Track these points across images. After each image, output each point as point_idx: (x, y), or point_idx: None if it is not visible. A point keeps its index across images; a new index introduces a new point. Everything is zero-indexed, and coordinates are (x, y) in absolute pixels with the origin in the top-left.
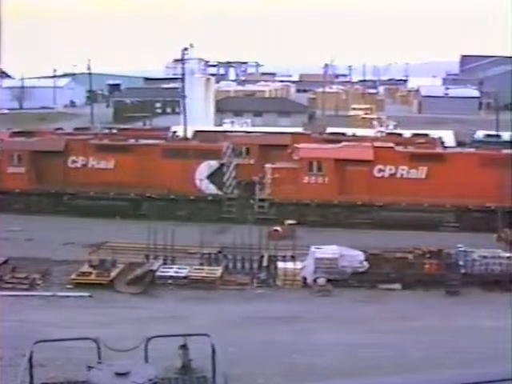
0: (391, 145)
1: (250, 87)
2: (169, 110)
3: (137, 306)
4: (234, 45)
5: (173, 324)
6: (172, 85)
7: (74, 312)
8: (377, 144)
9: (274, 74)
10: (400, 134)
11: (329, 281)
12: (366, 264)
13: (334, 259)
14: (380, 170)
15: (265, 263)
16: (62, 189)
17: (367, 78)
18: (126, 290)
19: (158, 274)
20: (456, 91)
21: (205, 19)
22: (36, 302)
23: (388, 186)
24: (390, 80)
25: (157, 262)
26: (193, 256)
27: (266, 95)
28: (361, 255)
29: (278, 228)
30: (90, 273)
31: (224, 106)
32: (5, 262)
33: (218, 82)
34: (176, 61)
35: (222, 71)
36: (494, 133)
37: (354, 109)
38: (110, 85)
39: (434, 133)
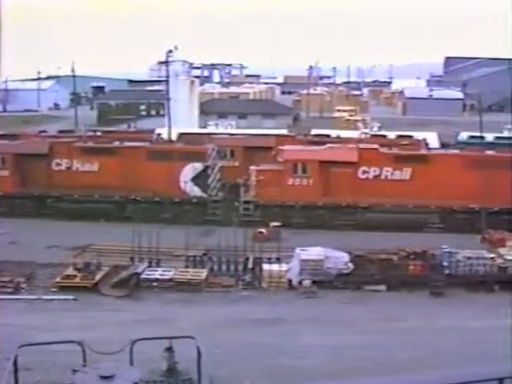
0: (375, 146)
1: (234, 89)
2: (153, 112)
3: (122, 309)
4: (218, 47)
5: (158, 327)
6: (156, 87)
7: (59, 315)
8: (361, 146)
9: (258, 76)
10: (384, 136)
11: (314, 282)
12: (350, 265)
13: (319, 261)
14: (364, 172)
15: (250, 265)
16: (46, 192)
17: (351, 79)
18: (110, 292)
19: (143, 276)
20: (440, 93)
21: (189, 21)
22: (20, 305)
23: (372, 187)
24: (375, 82)
25: (142, 264)
26: (178, 258)
27: (251, 97)
28: (346, 257)
29: (263, 230)
30: (75, 276)
31: (208, 108)
32: None
33: (202, 84)
34: (160, 63)
35: (206, 73)
36: (477, 134)
37: (339, 110)
38: (94, 87)
39: (418, 134)
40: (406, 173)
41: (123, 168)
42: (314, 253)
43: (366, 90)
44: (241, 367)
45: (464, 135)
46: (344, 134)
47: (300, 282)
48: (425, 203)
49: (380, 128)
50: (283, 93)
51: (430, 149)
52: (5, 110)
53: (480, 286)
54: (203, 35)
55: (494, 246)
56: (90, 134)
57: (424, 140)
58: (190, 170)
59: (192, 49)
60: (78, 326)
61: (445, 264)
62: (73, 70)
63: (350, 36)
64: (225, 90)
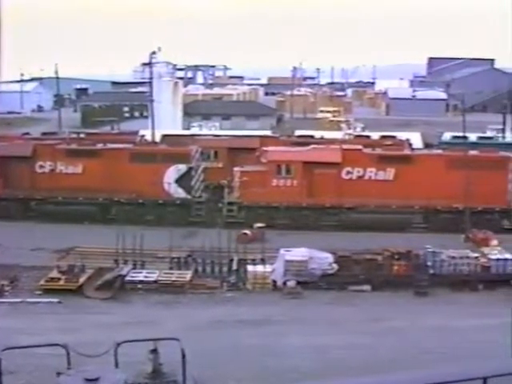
0: (359, 147)
1: (218, 90)
2: (137, 113)
3: (106, 312)
4: (201, 48)
5: (143, 329)
6: (140, 89)
7: (43, 318)
8: (345, 146)
9: (242, 77)
10: (368, 136)
11: (298, 283)
12: (335, 266)
13: (304, 262)
14: (348, 172)
15: (234, 267)
16: (29, 194)
17: (335, 80)
18: (95, 295)
19: (128, 278)
20: (423, 93)
21: (172, 22)
22: (5, 308)
23: (356, 187)
24: (358, 82)
25: (126, 266)
26: (162, 260)
27: (234, 98)
28: (330, 257)
29: (247, 231)
30: (59, 278)
31: (192, 110)
32: None
33: (185, 85)
34: (144, 64)
35: (189, 75)
36: (460, 134)
37: (322, 111)
38: (77, 89)
39: (402, 135)
40: (389, 173)
41: (107, 170)
42: (298, 254)
43: (349, 91)
44: (226, 368)
45: (447, 135)
46: (328, 134)
47: (284, 283)
48: (408, 203)
49: (363, 128)
50: (267, 94)
51: (413, 149)
52: None
53: (464, 286)
54: (187, 36)
55: (478, 246)
56: (74, 136)
57: (407, 140)
58: (173, 171)
59: (175, 50)
60: (62, 328)
61: (429, 264)
62: (56, 72)
63: (333, 37)
64: (208, 91)
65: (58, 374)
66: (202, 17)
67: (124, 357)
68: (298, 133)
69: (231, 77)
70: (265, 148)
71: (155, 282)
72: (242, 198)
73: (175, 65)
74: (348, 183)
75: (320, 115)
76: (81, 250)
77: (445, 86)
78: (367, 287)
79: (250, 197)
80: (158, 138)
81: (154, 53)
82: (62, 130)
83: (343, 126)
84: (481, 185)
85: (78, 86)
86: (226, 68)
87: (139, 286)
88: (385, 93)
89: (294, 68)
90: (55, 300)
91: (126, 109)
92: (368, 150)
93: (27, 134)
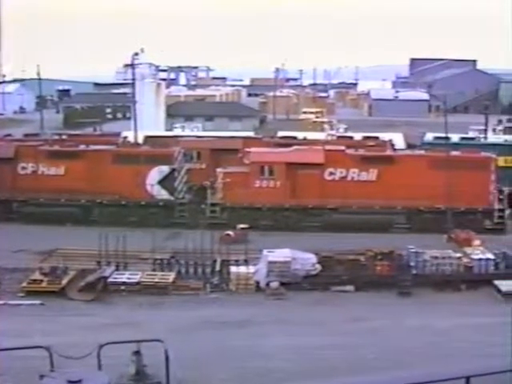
0: (342, 148)
1: (200, 92)
2: (119, 115)
3: (89, 313)
4: (184, 49)
5: (126, 330)
6: (122, 90)
7: (26, 320)
8: (327, 147)
9: (224, 79)
10: (351, 137)
11: (282, 284)
12: (318, 267)
13: (287, 262)
14: (331, 173)
15: (217, 268)
16: (11, 196)
17: (318, 81)
18: (77, 297)
19: (110, 280)
20: (406, 94)
21: (155, 24)
22: None
23: (339, 188)
24: (341, 83)
25: (109, 268)
26: (145, 262)
27: (217, 99)
28: (313, 258)
29: (230, 232)
30: (42, 280)
31: (175, 111)
32: None
33: (168, 86)
34: (126, 66)
35: (172, 76)
36: (443, 135)
37: (305, 112)
38: (59, 90)
39: (385, 135)
40: (372, 174)
41: (89, 171)
42: (281, 254)
43: (332, 92)
44: (209, 370)
45: (430, 136)
46: (310, 135)
47: (268, 284)
48: (391, 204)
49: (346, 129)
50: (250, 95)
51: (395, 150)
52: None
53: (447, 286)
54: (169, 38)
55: (460, 246)
56: (56, 137)
57: (390, 141)
58: (156, 172)
59: (158, 51)
60: (45, 330)
61: (412, 264)
62: (38, 73)
63: (316, 38)
64: (191, 92)
65: (41, 376)
66: (184, 18)
67: (107, 359)
68: (280, 134)
69: (214, 78)
70: (248, 149)
71: (138, 283)
72: (224, 199)
73: (158, 66)
74: (331, 184)
75: (303, 116)
76: (63, 252)
77: (427, 87)
78: (350, 287)
79: (232, 198)
80: (140, 140)
81: (136, 54)
82: (44, 132)
83: (326, 126)
84: (463, 185)
85: (61, 88)
86: (208, 69)
87: (122, 287)
88: (367, 94)
89: (277, 69)
90: (38, 302)
91: (109, 110)
92: (351, 151)
93: (9, 135)
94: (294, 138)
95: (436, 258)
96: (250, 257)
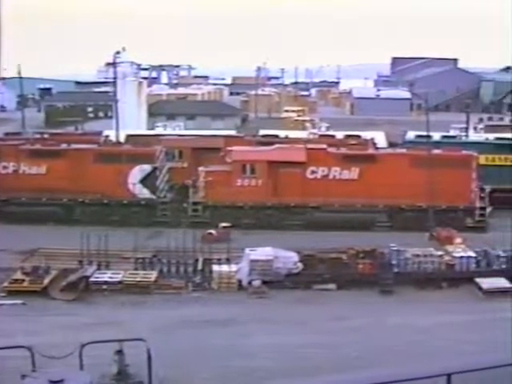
0: (324, 146)
1: (182, 90)
2: (101, 114)
3: (71, 313)
4: (166, 48)
5: (108, 330)
6: (104, 89)
7: (8, 320)
8: (309, 146)
9: (206, 77)
10: (332, 136)
11: (264, 283)
12: (300, 265)
13: (269, 261)
14: (313, 172)
15: (200, 267)
16: None
17: (299, 80)
18: (59, 296)
19: (92, 279)
20: (387, 93)
21: (137, 22)
22: None
23: (321, 187)
24: (323, 82)
25: (91, 267)
26: (127, 261)
27: (199, 98)
28: (295, 256)
29: (213, 231)
30: (23, 280)
31: (156, 110)
32: None
33: (150, 85)
34: (108, 64)
35: (154, 74)
36: (424, 133)
37: (287, 111)
38: (41, 89)
39: (366, 134)
40: (354, 172)
41: (71, 170)
42: (263, 253)
43: (314, 91)
44: (192, 369)
45: (411, 134)
46: (292, 134)
47: (250, 283)
48: (373, 202)
49: (328, 128)
50: (231, 94)
51: (377, 148)
52: None
53: (428, 284)
54: (151, 36)
55: (442, 244)
56: (38, 136)
57: (372, 139)
58: (138, 171)
59: (140, 50)
60: (26, 330)
61: (393, 262)
62: (19, 72)
63: (297, 37)
64: (173, 91)
65: (23, 376)
66: (166, 17)
67: (89, 358)
68: (262, 132)
69: (196, 77)
70: (229, 148)
71: (120, 282)
72: (206, 197)
73: (139, 64)
74: (313, 182)
75: (284, 115)
76: (45, 252)
77: (408, 86)
78: (332, 286)
79: (214, 197)
80: (122, 139)
81: (118, 53)
82: (25, 131)
83: (308, 125)
84: (445, 183)
85: (42, 86)
86: (190, 68)
87: (104, 286)
88: (349, 92)
89: (258, 68)
90: (19, 302)
91: (90, 109)
92: (333, 150)
93: None
94: (276, 136)
95: (418, 256)
96: (232, 255)
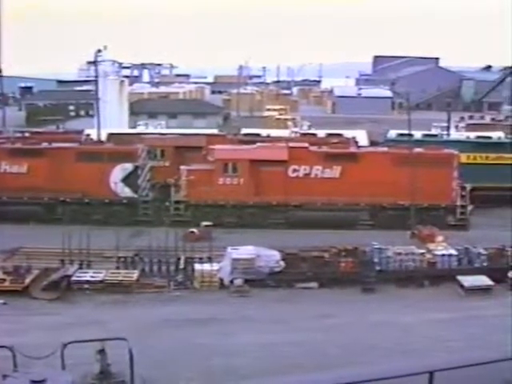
0: (305, 145)
1: (164, 89)
2: (82, 112)
3: (53, 313)
4: (147, 46)
5: (90, 329)
6: (85, 87)
7: None
8: (291, 144)
9: (188, 76)
10: (314, 134)
11: (246, 281)
12: (282, 264)
13: (251, 260)
14: (295, 170)
15: (181, 265)
16: None
17: (281, 78)
18: (41, 296)
19: (74, 278)
20: (369, 91)
21: (118, 21)
22: None
23: (303, 185)
24: (304, 81)
25: (72, 266)
26: (109, 260)
27: (181, 97)
28: (277, 255)
29: (195, 230)
30: (4, 279)
31: (138, 108)
32: None
33: (131, 84)
34: (89, 63)
35: (135, 73)
36: (406, 132)
37: (269, 110)
38: (21, 87)
39: (348, 132)
40: (335, 171)
41: (52, 169)
42: (245, 252)
43: (295, 89)
44: (174, 368)
45: (393, 133)
46: (274, 132)
47: (232, 281)
48: (355, 201)
49: (310, 127)
50: (213, 92)
51: (359, 147)
52: None
53: (410, 282)
54: (133, 35)
55: (424, 242)
56: (18, 135)
57: (353, 138)
58: (120, 170)
59: (121, 48)
60: (7, 330)
61: (375, 260)
62: None
63: (279, 35)
64: (155, 89)
65: (4, 376)
66: (147, 15)
67: (71, 358)
68: (244, 131)
69: (177, 75)
70: (211, 146)
71: (102, 281)
72: (188, 196)
73: (121, 63)
74: (295, 181)
75: (266, 113)
76: (26, 251)
77: (390, 84)
78: (314, 284)
79: (196, 195)
80: (104, 137)
81: (99, 51)
82: (6, 129)
83: (290, 124)
84: (426, 182)
85: (23, 85)
86: (172, 66)
87: (86, 286)
88: (331, 91)
89: (240, 66)
90: (1, 301)
91: (72, 107)
92: (314, 148)
93: None
94: (258, 135)
95: (399, 254)
96: (214, 254)
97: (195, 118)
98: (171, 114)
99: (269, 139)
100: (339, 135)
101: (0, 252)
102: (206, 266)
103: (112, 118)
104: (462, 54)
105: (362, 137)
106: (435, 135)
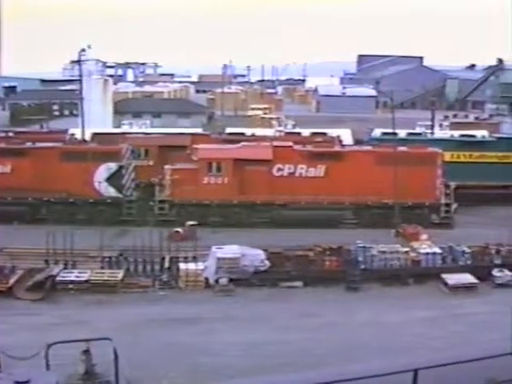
0: (290, 144)
1: (148, 88)
2: (66, 112)
3: (37, 313)
4: (131, 45)
5: (75, 329)
6: (69, 87)
7: None
8: (276, 143)
9: (172, 75)
10: (299, 133)
11: (231, 280)
12: (267, 263)
13: (236, 259)
14: (279, 169)
15: (166, 265)
16: None
17: (266, 78)
18: (25, 296)
19: (59, 278)
20: (353, 90)
21: (102, 20)
22: None
23: (287, 184)
24: (289, 80)
25: (57, 266)
26: (93, 260)
27: (165, 96)
28: (262, 254)
29: (179, 229)
30: None
31: (122, 108)
32: None
33: (116, 83)
34: (73, 62)
35: (120, 72)
36: (390, 131)
37: (253, 109)
38: (5, 87)
39: (332, 131)
40: (320, 170)
41: (36, 169)
42: (230, 251)
43: (280, 89)
44: (159, 367)
45: (377, 132)
46: (258, 132)
47: (217, 281)
48: (339, 199)
49: (294, 126)
50: (198, 91)
51: (343, 146)
52: None
53: (395, 280)
54: (117, 34)
55: (408, 240)
56: (2, 134)
57: (338, 137)
58: (104, 170)
59: (105, 48)
60: None
61: (360, 259)
62: None
63: (263, 35)
64: (139, 89)
65: None
66: (132, 15)
67: (56, 358)
68: (228, 130)
69: (162, 74)
70: (196, 146)
71: (87, 281)
72: (173, 196)
73: (105, 62)
74: (279, 180)
75: (251, 113)
76: (10, 251)
77: (374, 83)
78: (299, 283)
79: (181, 195)
80: (88, 137)
81: (83, 50)
82: None
83: (274, 123)
84: (410, 180)
85: (6, 84)
86: (156, 65)
87: (70, 286)
88: (315, 90)
89: (225, 66)
90: None
91: (56, 107)
92: (299, 147)
93: None
94: (242, 134)
95: (384, 252)
96: (198, 254)
97: (179, 117)
98: (155, 113)
99: (253, 138)
100: (324, 134)
101: None
102: (191, 266)
103: (96, 117)
104: (446, 53)
105: (346, 136)
106: (419, 134)
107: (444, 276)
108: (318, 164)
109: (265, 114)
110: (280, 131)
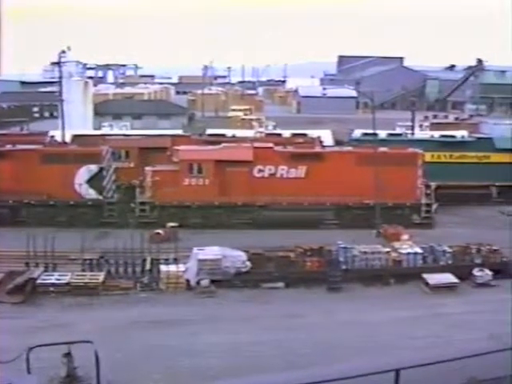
0: (270, 145)
1: (128, 90)
2: (47, 114)
3: (18, 316)
4: (111, 47)
5: (56, 332)
6: (49, 88)
7: None
8: (256, 144)
9: (152, 77)
10: (279, 134)
11: (212, 282)
12: (248, 264)
13: (217, 260)
14: (260, 171)
15: (147, 267)
16: None
17: (246, 79)
18: (6, 299)
19: (39, 281)
20: (334, 91)
21: (82, 22)
22: None
23: (268, 185)
24: (269, 81)
25: (37, 269)
26: (74, 262)
27: (145, 98)
28: (243, 255)
29: (160, 231)
30: None
31: (103, 110)
32: None
33: (96, 84)
34: (53, 64)
35: (100, 74)
36: (370, 131)
37: (234, 110)
38: None
39: (313, 132)
40: (301, 171)
41: (16, 171)
42: (211, 252)
43: (260, 90)
44: (141, 370)
45: (358, 132)
46: (239, 133)
47: (198, 282)
48: (320, 200)
49: (275, 127)
50: (178, 93)
51: (324, 146)
52: None
53: (376, 280)
54: (97, 36)
55: (389, 241)
56: None
57: (318, 138)
58: (84, 172)
59: (86, 49)
60: None
61: (341, 259)
62: None
63: (244, 36)
64: (119, 90)
65: None
66: (112, 16)
67: (37, 361)
68: (209, 131)
69: (142, 76)
70: (176, 147)
71: (67, 284)
72: (154, 197)
73: (85, 64)
74: (260, 181)
75: (231, 114)
76: None
77: (355, 84)
78: (281, 284)
79: (162, 196)
80: (68, 139)
81: (63, 52)
82: None
83: (254, 124)
84: (391, 181)
85: None
86: (136, 67)
87: (51, 288)
88: (296, 91)
89: (205, 67)
90: None
91: (36, 109)
92: (279, 148)
93: None
94: (223, 135)
95: (365, 253)
96: (180, 255)
97: (160, 118)
98: (136, 114)
99: (234, 139)
100: (304, 135)
101: None
102: (172, 267)
103: (76, 119)
104: (426, 53)
105: (326, 136)
106: (400, 134)
107: (425, 276)
108: (299, 165)
109: (245, 115)
110: (260, 132)
